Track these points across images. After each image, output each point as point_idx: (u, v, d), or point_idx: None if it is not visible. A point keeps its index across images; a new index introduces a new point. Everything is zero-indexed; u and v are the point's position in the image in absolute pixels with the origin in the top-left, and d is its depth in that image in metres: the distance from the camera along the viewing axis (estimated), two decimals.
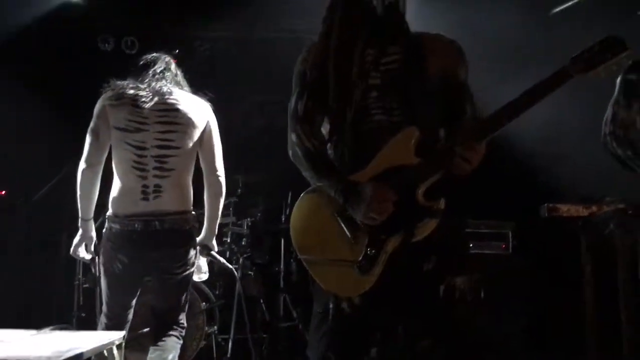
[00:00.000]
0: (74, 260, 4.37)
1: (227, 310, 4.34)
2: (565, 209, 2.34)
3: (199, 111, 2.81)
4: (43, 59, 5.52)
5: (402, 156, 1.91)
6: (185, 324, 2.90)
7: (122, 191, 2.71)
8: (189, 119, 2.75)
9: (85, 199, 2.75)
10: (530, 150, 4.56)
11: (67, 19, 5.66)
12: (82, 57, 5.74)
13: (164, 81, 2.78)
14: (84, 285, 4.29)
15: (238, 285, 4.10)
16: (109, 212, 2.75)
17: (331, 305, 1.95)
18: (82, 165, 2.74)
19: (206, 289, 4.21)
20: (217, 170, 2.86)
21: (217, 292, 4.41)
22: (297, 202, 2.06)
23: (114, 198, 2.74)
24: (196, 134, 2.77)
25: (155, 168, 2.68)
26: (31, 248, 5.23)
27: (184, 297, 2.85)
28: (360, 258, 1.89)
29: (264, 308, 4.60)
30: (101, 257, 2.78)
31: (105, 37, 5.89)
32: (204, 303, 4.06)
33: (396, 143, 1.92)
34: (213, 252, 3.01)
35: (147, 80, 2.77)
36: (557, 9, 5.55)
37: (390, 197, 1.86)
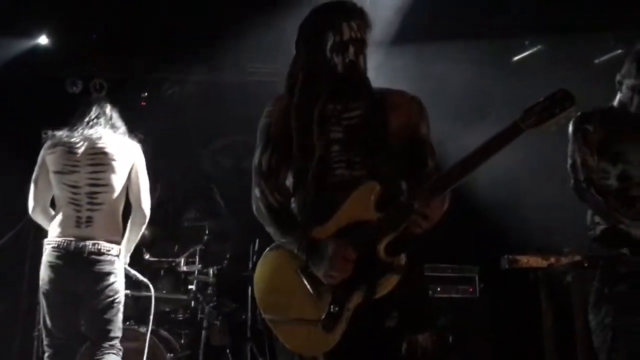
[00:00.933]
0: (34, 311, 4.28)
1: None
2: (525, 260, 2.38)
3: (126, 152, 3.24)
4: (10, 103, 5.46)
5: (363, 211, 1.92)
6: (121, 352, 3.13)
7: (58, 220, 3.12)
8: (116, 160, 3.19)
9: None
10: (494, 198, 4.64)
11: (36, 63, 5.64)
12: (50, 100, 5.70)
13: (96, 127, 3.24)
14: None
15: (204, 335, 4.03)
16: (46, 238, 3.14)
17: None
18: (30, 209, 3.24)
19: (171, 339, 4.13)
20: (142, 204, 3.26)
21: (182, 342, 4.33)
22: (260, 260, 2.06)
23: (51, 225, 3.15)
24: (123, 173, 3.21)
25: (88, 203, 3.11)
26: None
27: (114, 321, 3.10)
28: (324, 316, 1.88)
29: (231, 358, 4.52)
30: (40, 283, 3.09)
31: (73, 79, 5.87)
32: (169, 354, 3.98)
33: (357, 198, 1.94)
34: (125, 266, 3.28)
35: (80, 128, 3.22)
36: (518, 57, 5.74)
37: (351, 256, 1.87)
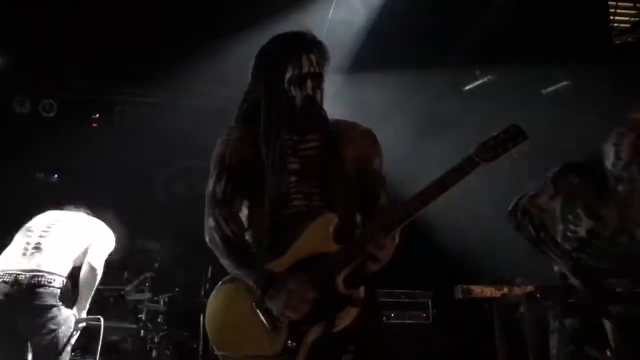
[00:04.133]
0: None
1: None
2: (479, 290, 2.41)
3: (88, 224, 3.35)
4: None
5: (321, 243, 1.91)
6: None
7: (6, 251, 3.16)
8: (77, 223, 3.33)
9: None
10: (448, 225, 4.71)
11: None
12: None
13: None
14: None
15: None
16: None
17: None
18: None
19: None
20: (95, 270, 3.24)
21: None
22: (213, 293, 2.00)
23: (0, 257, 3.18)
24: (81, 233, 3.27)
25: (42, 231, 3.19)
26: None
27: (61, 355, 3.05)
28: (281, 351, 1.84)
29: None
30: None
31: (21, 98, 5.72)
32: None
33: (315, 229, 1.92)
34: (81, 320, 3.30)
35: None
36: (469, 86, 5.91)
37: (309, 295, 1.83)
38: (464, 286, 2.43)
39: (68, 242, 3.21)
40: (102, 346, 4.15)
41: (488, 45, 5.18)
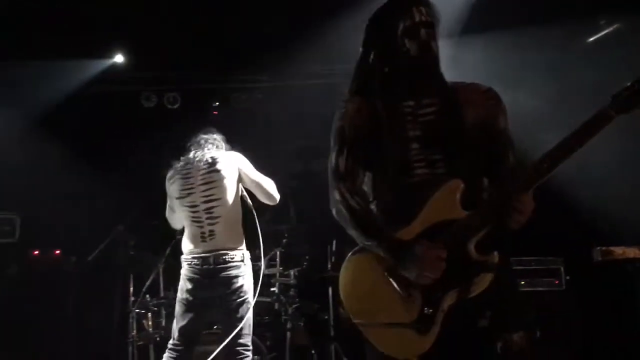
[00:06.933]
0: (127, 318, 4.48)
1: None
2: (620, 251, 2.28)
3: (231, 164, 3.66)
4: (89, 121, 5.74)
5: (448, 210, 1.89)
6: (251, 348, 3.51)
7: (188, 238, 3.60)
8: (225, 175, 3.59)
9: None
10: (577, 188, 4.46)
11: (112, 80, 5.90)
12: (125, 115, 5.95)
13: (205, 150, 3.70)
14: (138, 343, 4.35)
15: (288, 336, 4.09)
16: (182, 254, 3.60)
17: None
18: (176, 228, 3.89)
19: (258, 342, 4.20)
20: (267, 192, 3.68)
21: (267, 344, 4.41)
22: (344, 265, 2.05)
23: (183, 243, 3.63)
24: (233, 185, 3.60)
25: (207, 218, 3.54)
26: (85, 306, 5.31)
27: (245, 321, 3.45)
28: (417, 318, 1.86)
29: (316, 358, 4.56)
30: (178, 292, 3.56)
31: (147, 94, 6.09)
32: (256, 356, 4.05)
33: (441, 197, 1.91)
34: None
35: (192, 154, 3.70)
36: (593, 38, 5.52)
37: (442, 255, 1.83)
38: (603, 248, 2.31)
39: (234, 215, 3.59)
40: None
41: None
